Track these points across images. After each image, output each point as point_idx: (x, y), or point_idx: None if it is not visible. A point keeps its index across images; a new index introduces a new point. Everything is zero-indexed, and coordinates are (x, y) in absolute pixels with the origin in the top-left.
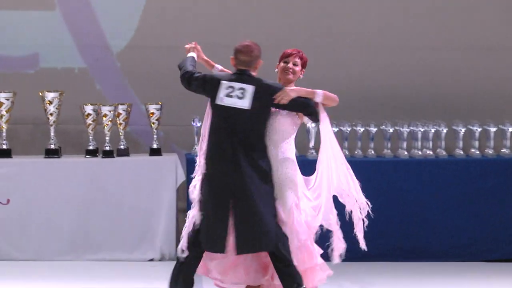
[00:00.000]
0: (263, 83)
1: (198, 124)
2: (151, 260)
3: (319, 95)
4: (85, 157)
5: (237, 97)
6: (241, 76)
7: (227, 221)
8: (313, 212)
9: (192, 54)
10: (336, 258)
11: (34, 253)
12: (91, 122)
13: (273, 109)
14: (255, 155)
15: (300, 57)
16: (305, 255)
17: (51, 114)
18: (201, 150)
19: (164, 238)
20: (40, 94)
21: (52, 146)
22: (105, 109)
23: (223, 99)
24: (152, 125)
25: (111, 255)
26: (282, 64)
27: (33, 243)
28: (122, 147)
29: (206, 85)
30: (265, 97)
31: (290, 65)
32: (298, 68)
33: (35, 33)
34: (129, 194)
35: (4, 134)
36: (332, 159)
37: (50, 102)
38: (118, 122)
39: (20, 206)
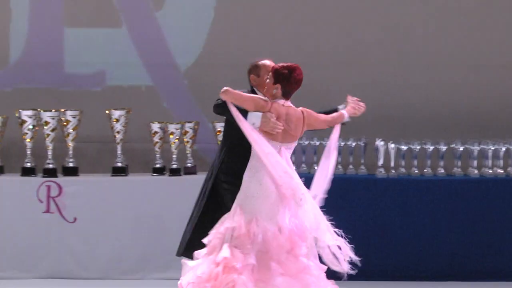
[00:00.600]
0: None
1: None
2: None
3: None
4: (152, 175)
5: None
6: None
7: None
8: None
9: None
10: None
11: (102, 272)
12: (158, 140)
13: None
14: None
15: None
16: None
17: (118, 132)
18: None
19: None
20: (107, 112)
21: (119, 164)
22: (172, 127)
23: None
24: (219, 143)
25: (179, 273)
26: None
27: (100, 262)
28: (189, 165)
29: None
30: None
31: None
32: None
33: (102, 51)
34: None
35: (71, 152)
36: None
37: (117, 120)
38: (185, 140)
39: (87, 225)
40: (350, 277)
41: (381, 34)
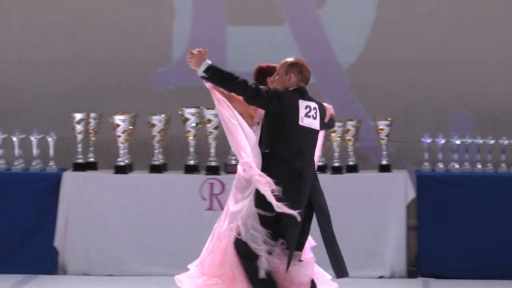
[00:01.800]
0: (318, 102)
1: (428, 141)
2: (381, 277)
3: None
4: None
5: (313, 117)
6: (307, 94)
7: None
8: None
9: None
10: None
11: None
12: None
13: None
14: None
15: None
16: None
17: None
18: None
19: (393, 255)
20: None
21: None
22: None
23: (303, 119)
24: (381, 141)
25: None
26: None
27: None
28: (351, 163)
29: (283, 101)
30: (322, 117)
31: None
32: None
33: (264, 49)
34: (357, 210)
35: (233, 150)
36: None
37: None
38: (347, 138)
39: None
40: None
41: None
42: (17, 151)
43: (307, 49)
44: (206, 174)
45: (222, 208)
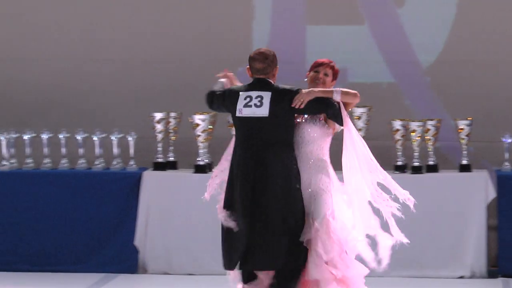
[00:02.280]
0: (280, 88)
1: (509, 140)
2: (461, 277)
3: (338, 93)
4: (394, 173)
5: (255, 105)
6: (257, 84)
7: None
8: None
9: (222, 80)
10: (383, 266)
11: None
12: (399, 138)
13: (297, 118)
14: (280, 165)
15: (332, 68)
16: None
17: (360, 130)
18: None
19: (474, 255)
20: (349, 110)
21: None
22: (414, 125)
23: (241, 110)
24: (462, 140)
25: (419, 271)
26: (312, 73)
27: None
28: (431, 163)
29: (226, 100)
30: (283, 103)
31: (321, 75)
32: (329, 79)
33: (344, 48)
34: (437, 210)
35: None
36: (357, 167)
37: (359, 118)
38: (427, 137)
39: None
40: None
41: None
42: (97, 151)
43: (386, 48)
44: None
45: None
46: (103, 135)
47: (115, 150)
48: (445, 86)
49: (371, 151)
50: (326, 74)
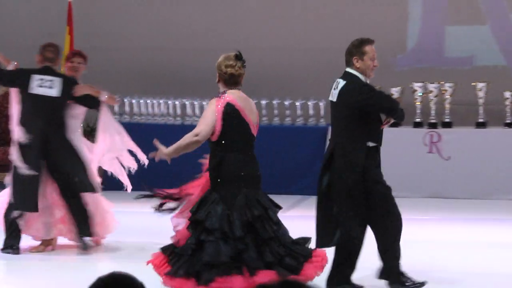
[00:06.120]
0: (68, 77)
1: None
2: None
3: (103, 95)
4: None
5: (48, 87)
6: (48, 70)
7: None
8: None
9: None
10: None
11: (482, 194)
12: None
13: (69, 101)
14: (60, 132)
15: (83, 56)
16: None
17: (480, 98)
18: (14, 127)
19: None
20: (473, 84)
21: (481, 120)
22: None
23: (34, 89)
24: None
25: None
26: (69, 63)
27: (470, 184)
28: None
29: (16, 78)
30: (68, 88)
31: (75, 64)
32: (83, 66)
33: (474, 46)
34: None
35: (447, 111)
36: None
37: (480, 90)
38: None
39: (458, 162)
40: None
41: None
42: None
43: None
44: (428, 128)
45: (439, 151)
46: (303, 101)
47: (311, 112)
48: None
49: (487, 114)
50: (80, 62)
